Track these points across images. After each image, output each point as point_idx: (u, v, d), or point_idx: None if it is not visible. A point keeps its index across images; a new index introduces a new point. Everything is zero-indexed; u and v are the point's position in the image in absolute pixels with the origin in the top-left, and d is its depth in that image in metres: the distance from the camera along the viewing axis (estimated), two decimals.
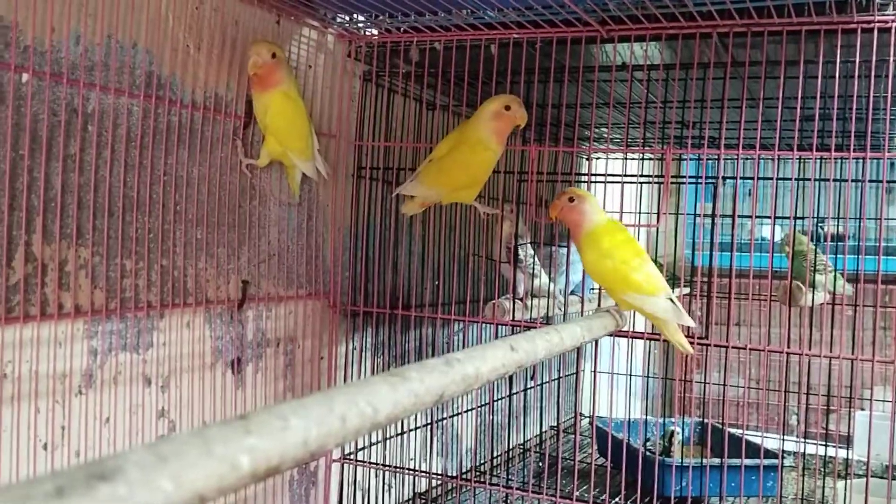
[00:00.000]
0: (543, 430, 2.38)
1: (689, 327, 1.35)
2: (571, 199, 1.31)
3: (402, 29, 1.49)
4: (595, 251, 1.28)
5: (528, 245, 1.71)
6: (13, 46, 0.99)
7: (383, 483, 1.74)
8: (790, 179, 1.64)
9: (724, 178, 1.51)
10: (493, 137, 1.38)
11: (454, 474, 1.76)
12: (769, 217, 1.49)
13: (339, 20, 1.50)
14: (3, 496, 0.34)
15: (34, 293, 1.04)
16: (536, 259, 1.73)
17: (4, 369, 1.01)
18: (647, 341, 2.01)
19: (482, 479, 1.72)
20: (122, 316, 1.17)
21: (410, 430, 1.75)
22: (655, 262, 2.12)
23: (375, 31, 1.54)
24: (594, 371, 1.67)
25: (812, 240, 1.74)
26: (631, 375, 1.94)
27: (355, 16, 1.49)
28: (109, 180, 1.13)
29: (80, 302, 1.11)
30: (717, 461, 1.71)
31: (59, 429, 1.09)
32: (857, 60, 1.26)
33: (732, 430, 1.99)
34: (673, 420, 2.09)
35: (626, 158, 1.57)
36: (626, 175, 1.52)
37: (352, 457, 1.65)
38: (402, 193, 1.48)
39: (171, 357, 1.26)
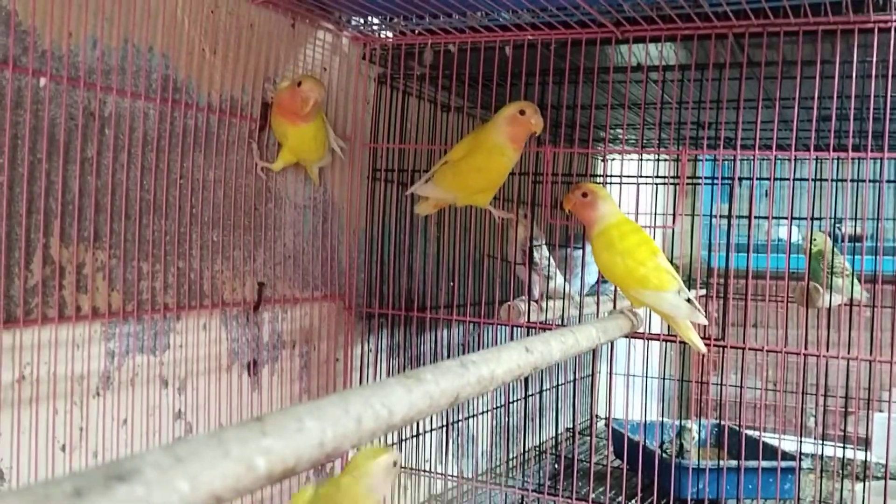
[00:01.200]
0: (559, 431, 2.37)
1: (705, 328, 1.34)
2: (585, 195, 1.31)
3: (416, 31, 1.49)
4: (606, 246, 1.28)
5: (543, 247, 1.71)
6: (31, 51, 1.00)
7: (399, 484, 1.74)
8: (807, 180, 1.63)
9: (741, 179, 1.50)
10: (509, 143, 1.37)
11: (470, 476, 1.76)
12: (786, 218, 1.48)
13: (353, 23, 1.51)
14: (23, 497, 0.35)
15: (52, 295, 1.05)
16: (552, 261, 1.73)
17: (23, 371, 1.02)
18: (663, 343, 2.01)
19: (498, 481, 1.72)
20: (139, 318, 1.17)
21: (426, 432, 1.75)
22: (671, 262, 2.11)
23: (390, 34, 1.54)
24: (610, 373, 1.66)
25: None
26: (647, 377, 1.93)
27: (370, 18, 1.49)
28: (126, 183, 1.14)
29: (98, 304, 1.11)
30: (734, 463, 1.70)
31: (76, 430, 1.10)
32: (875, 60, 1.25)
33: (749, 432, 1.98)
34: (688, 420, 2.08)
35: (641, 159, 1.57)
36: (641, 176, 1.52)
37: None
38: (416, 193, 1.49)
39: (187, 359, 1.27)
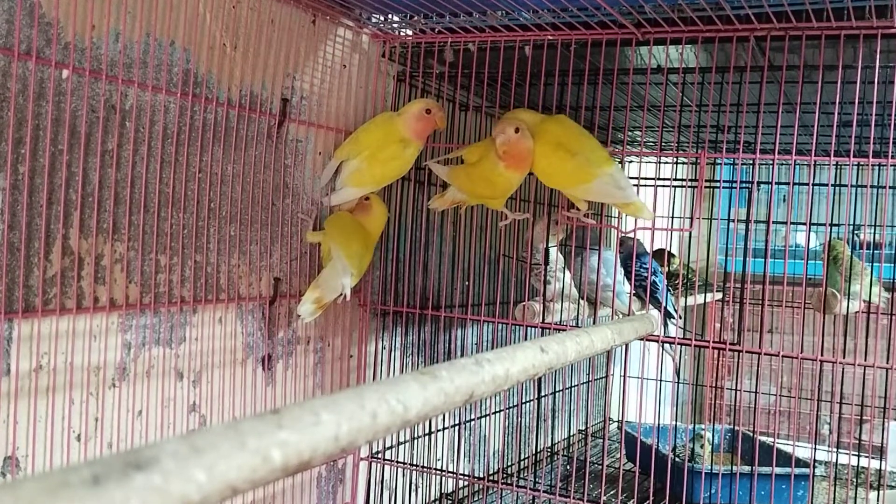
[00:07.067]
0: (572, 433, 2.37)
1: (721, 332, 1.34)
2: (517, 130, 1.33)
3: (436, 30, 1.49)
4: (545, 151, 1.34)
5: (557, 249, 1.71)
6: (54, 43, 1.01)
7: (410, 483, 1.74)
8: (826, 185, 1.62)
9: (759, 184, 1.49)
10: (504, 167, 1.38)
11: (481, 475, 1.76)
12: (804, 223, 1.47)
13: (374, 20, 1.51)
14: (42, 482, 0.35)
15: (70, 286, 1.06)
16: (565, 263, 1.72)
17: (40, 361, 1.03)
18: (678, 346, 2.00)
19: (509, 481, 1.72)
20: (155, 310, 1.18)
21: (438, 431, 1.75)
22: (688, 266, 2.11)
23: (410, 32, 1.54)
24: (623, 375, 1.65)
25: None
26: (661, 381, 1.93)
27: (390, 16, 1.49)
28: (146, 176, 1.14)
29: (115, 296, 1.12)
30: (747, 469, 1.70)
31: (92, 420, 1.10)
32: None
33: (763, 438, 1.97)
34: (703, 427, 2.08)
35: (659, 162, 1.57)
36: (659, 179, 1.51)
37: (379, 455, 1.66)
38: (432, 170, 1.51)
39: (202, 352, 1.27)
